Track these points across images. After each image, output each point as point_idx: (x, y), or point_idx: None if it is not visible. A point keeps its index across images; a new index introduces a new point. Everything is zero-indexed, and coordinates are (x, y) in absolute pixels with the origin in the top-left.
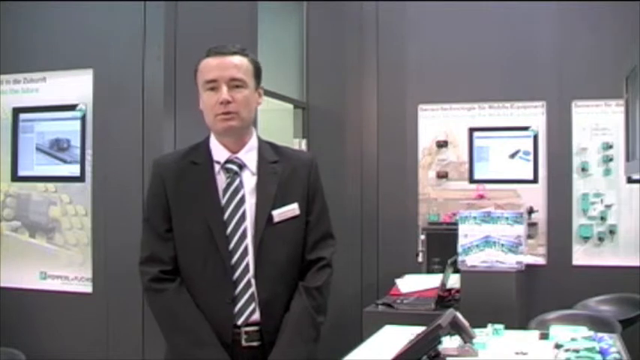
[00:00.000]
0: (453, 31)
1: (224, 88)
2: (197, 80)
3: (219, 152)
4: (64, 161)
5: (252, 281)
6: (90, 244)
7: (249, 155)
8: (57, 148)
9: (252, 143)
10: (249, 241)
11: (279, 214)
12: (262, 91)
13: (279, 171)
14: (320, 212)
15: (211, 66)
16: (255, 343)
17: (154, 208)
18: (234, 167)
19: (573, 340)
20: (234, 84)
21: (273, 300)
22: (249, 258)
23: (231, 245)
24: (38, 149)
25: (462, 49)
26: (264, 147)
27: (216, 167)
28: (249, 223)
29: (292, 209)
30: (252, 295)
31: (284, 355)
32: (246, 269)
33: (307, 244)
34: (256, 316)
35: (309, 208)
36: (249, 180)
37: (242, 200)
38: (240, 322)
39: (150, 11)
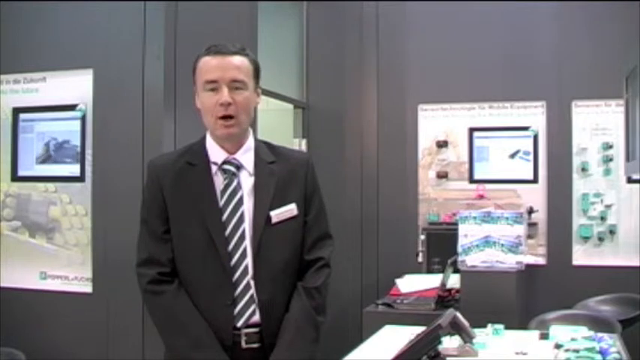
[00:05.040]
0: (453, 31)
1: (225, 90)
2: (195, 78)
3: (216, 153)
4: (64, 161)
5: (252, 283)
6: (90, 244)
7: (246, 156)
8: (57, 148)
9: (249, 144)
10: (247, 242)
11: (277, 214)
12: (260, 91)
13: (277, 171)
14: (318, 212)
15: (211, 66)
16: (255, 345)
17: (150, 210)
18: (232, 168)
19: (573, 340)
20: (235, 85)
21: (272, 301)
22: (249, 259)
23: (230, 247)
24: (38, 149)
25: (462, 49)
26: (261, 147)
27: (213, 168)
28: (247, 225)
29: (290, 210)
30: (251, 296)
31: (285, 356)
32: (246, 271)
33: (305, 244)
34: (256, 318)
35: (307, 209)
36: (246, 181)
37: (240, 201)
38: (240, 323)
39: (150, 11)
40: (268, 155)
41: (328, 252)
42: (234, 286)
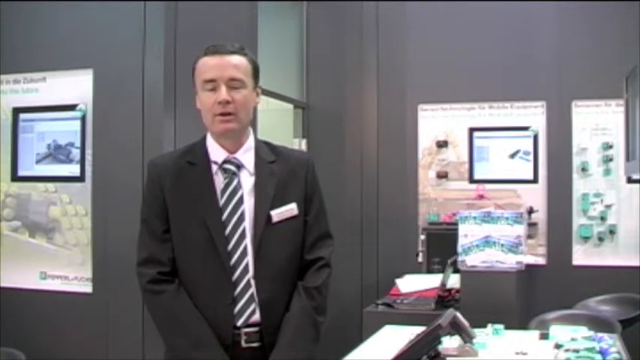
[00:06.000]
0: (453, 31)
1: (223, 88)
2: (194, 79)
3: (216, 152)
4: (64, 161)
5: (252, 282)
6: (90, 244)
7: (246, 155)
8: (57, 148)
9: (250, 143)
10: (248, 241)
11: (277, 214)
12: (260, 91)
13: (277, 171)
14: (318, 212)
15: (210, 65)
16: (255, 344)
17: (151, 210)
18: (232, 167)
19: (573, 340)
20: (233, 84)
21: (273, 300)
22: (249, 258)
23: (230, 246)
24: (38, 149)
25: (462, 49)
26: (261, 147)
27: (214, 167)
28: (247, 224)
29: (291, 209)
30: (251, 295)
31: (285, 355)
32: (246, 270)
33: (306, 244)
34: (256, 317)
35: (307, 208)
36: (247, 180)
37: (240, 200)
38: (240, 323)
39: (150, 11)
40: (269, 155)
41: (328, 252)
42: (234, 285)
